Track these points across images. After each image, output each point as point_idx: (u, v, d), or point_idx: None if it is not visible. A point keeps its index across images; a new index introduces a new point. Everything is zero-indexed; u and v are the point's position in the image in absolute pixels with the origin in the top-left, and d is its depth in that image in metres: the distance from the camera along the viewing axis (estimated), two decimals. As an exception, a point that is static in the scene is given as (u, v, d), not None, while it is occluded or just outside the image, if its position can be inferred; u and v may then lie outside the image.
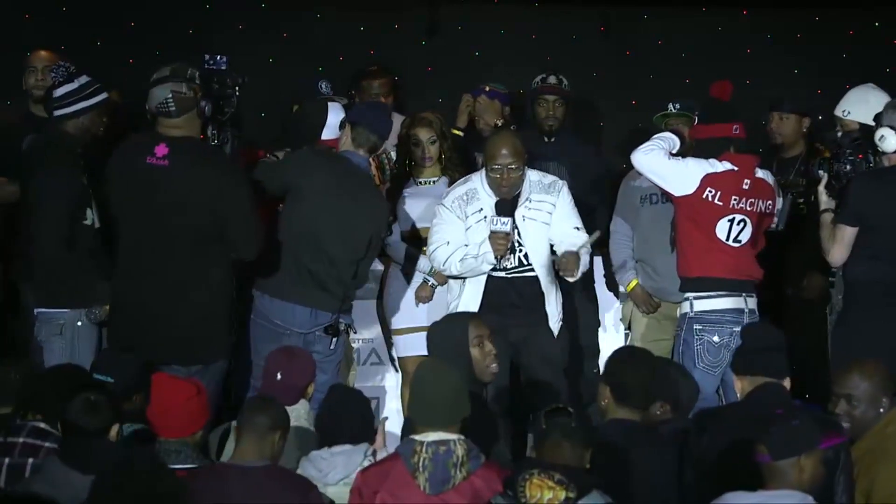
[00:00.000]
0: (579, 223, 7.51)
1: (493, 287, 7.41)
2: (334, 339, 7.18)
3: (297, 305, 7.15)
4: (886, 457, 5.68)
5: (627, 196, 8.18)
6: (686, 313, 7.38)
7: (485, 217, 7.39)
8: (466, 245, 7.39)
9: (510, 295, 7.41)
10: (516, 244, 7.41)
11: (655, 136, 7.48)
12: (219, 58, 7.19)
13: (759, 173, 7.40)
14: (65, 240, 6.99)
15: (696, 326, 7.33)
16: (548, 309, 7.47)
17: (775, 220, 7.49)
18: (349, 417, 5.96)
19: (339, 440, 5.89)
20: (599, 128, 9.90)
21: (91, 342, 7.07)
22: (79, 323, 7.11)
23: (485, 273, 7.39)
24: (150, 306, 6.86)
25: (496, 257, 7.32)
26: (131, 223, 6.90)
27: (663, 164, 7.31)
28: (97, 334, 7.15)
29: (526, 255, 7.42)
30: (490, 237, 7.32)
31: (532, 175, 7.51)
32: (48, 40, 8.67)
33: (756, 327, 6.28)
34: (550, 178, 7.56)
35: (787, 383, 5.85)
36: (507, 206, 7.40)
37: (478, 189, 7.47)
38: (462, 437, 5.37)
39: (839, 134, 7.27)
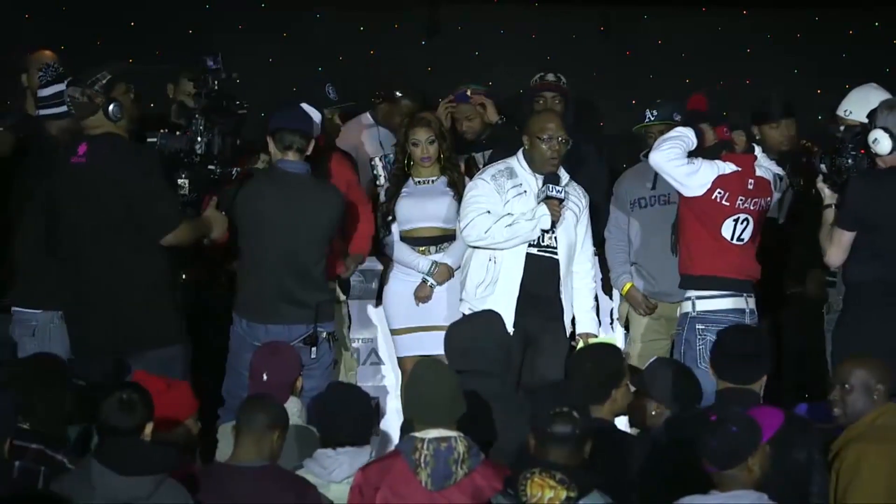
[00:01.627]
0: (592, 247, 7.70)
1: (529, 264, 7.47)
2: (313, 349, 7.17)
3: (269, 325, 7.14)
4: (864, 438, 5.75)
5: (619, 201, 8.19)
6: (688, 313, 7.38)
7: (524, 191, 7.47)
8: (510, 214, 7.45)
9: (540, 278, 7.47)
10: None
11: (675, 131, 7.44)
12: (207, 57, 7.23)
13: (759, 171, 7.42)
14: (41, 241, 7.02)
15: (699, 326, 7.33)
16: (563, 300, 7.53)
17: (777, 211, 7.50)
18: (348, 416, 5.94)
19: (339, 438, 5.87)
20: (599, 128, 9.90)
21: (63, 343, 7.06)
22: (51, 325, 7.13)
23: (529, 241, 7.44)
24: (81, 299, 6.90)
25: (552, 222, 7.41)
26: (64, 222, 6.93)
27: (679, 170, 7.30)
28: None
29: (555, 238, 7.50)
30: (547, 203, 7.41)
31: (563, 170, 7.62)
32: (48, 40, 8.65)
33: (733, 332, 6.18)
34: (575, 182, 7.69)
35: (760, 381, 5.87)
36: (557, 178, 7.49)
37: (514, 167, 7.56)
38: (462, 434, 5.38)
39: (841, 128, 7.23)
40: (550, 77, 8.55)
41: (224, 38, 9.31)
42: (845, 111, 7.47)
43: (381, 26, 9.89)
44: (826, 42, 9.92)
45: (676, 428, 5.84)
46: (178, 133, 7.00)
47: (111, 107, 6.80)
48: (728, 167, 7.34)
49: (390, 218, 8.01)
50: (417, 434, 5.39)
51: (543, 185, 7.46)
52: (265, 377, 6.36)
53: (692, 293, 7.38)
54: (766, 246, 7.55)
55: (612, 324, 8.47)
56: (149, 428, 5.40)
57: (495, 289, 7.45)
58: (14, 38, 9.14)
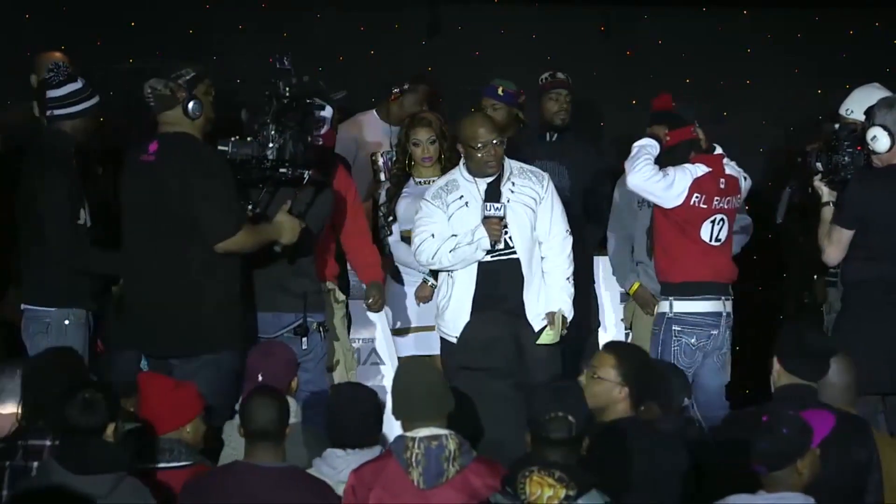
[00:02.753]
0: (566, 224, 7.48)
1: (483, 274, 7.36)
2: (304, 339, 7.16)
3: (258, 312, 7.14)
4: None
5: (624, 200, 8.18)
6: (665, 313, 7.41)
7: (466, 203, 7.37)
8: (454, 235, 7.38)
9: (498, 282, 7.36)
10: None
11: (637, 146, 7.42)
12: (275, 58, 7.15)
13: (728, 169, 7.43)
14: (55, 239, 7.02)
15: (675, 328, 7.36)
16: (525, 297, 7.39)
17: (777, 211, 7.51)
18: (354, 417, 5.93)
19: (346, 438, 5.86)
20: (599, 128, 9.91)
21: (78, 342, 7.06)
22: (66, 322, 7.12)
23: (477, 261, 7.35)
24: (139, 300, 6.88)
25: (492, 243, 7.31)
26: (131, 221, 6.92)
27: (655, 184, 7.30)
28: (85, 334, 7.15)
29: (510, 238, 7.38)
30: (484, 223, 7.30)
31: (511, 161, 7.50)
32: (48, 40, 8.66)
33: (808, 330, 6.08)
34: (532, 167, 7.57)
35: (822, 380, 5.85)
36: (496, 193, 7.38)
37: (457, 178, 7.45)
38: (452, 431, 5.39)
39: (836, 126, 7.24)
40: (560, 75, 8.55)
41: (224, 38, 9.34)
42: (847, 110, 7.48)
43: (381, 26, 9.89)
44: (826, 42, 9.92)
45: (728, 428, 5.85)
46: (248, 139, 6.94)
47: (191, 104, 6.74)
48: (699, 169, 7.34)
49: (391, 218, 8.00)
50: (408, 433, 5.40)
51: (483, 202, 7.36)
52: (260, 378, 6.35)
53: (671, 295, 7.40)
54: (765, 246, 7.56)
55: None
56: (110, 428, 5.33)
57: (449, 303, 7.40)
58: (14, 38, 9.15)
